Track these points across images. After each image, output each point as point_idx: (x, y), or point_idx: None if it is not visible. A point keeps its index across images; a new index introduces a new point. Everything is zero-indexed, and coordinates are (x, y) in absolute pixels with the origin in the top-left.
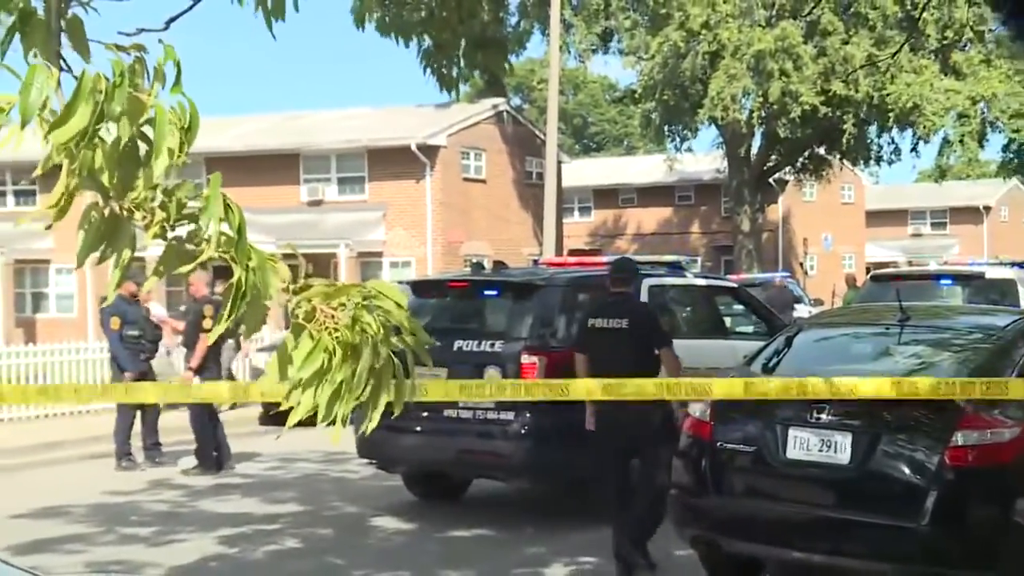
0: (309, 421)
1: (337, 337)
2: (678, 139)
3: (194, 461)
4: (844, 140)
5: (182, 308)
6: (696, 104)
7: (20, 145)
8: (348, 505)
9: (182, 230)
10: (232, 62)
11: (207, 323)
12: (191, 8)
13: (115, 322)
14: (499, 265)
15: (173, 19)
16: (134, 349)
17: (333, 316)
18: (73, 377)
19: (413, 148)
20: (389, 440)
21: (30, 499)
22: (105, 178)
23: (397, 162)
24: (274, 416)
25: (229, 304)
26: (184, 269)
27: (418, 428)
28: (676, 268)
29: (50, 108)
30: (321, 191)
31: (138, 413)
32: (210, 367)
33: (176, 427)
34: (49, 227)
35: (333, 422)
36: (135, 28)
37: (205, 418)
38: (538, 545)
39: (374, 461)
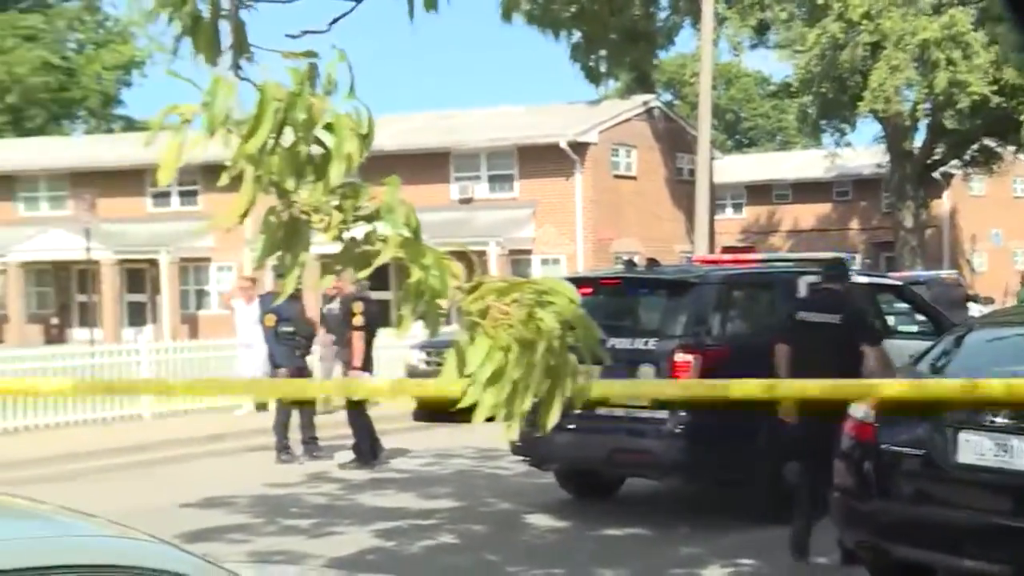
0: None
1: (512, 334)
2: (836, 133)
3: (351, 455)
4: (1021, 131)
5: (336, 304)
6: (855, 97)
7: (204, 151)
8: (502, 502)
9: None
10: (384, 60)
11: (357, 319)
12: (353, 8)
13: (269, 319)
14: (651, 263)
15: (336, 20)
16: (289, 346)
17: (507, 313)
18: (232, 372)
19: (563, 145)
20: (542, 438)
21: (196, 489)
22: (287, 183)
23: (547, 159)
24: (428, 412)
25: (409, 303)
26: (364, 273)
27: (571, 426)
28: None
29: (231, 118)
30: (471, 189)
31: (295, 407)
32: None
33: (332, 422)
34: (228, 230)
35: (511, 419)
36: (299, 30)
37: (365, 413)
38: (693, 545)
39: (527, 458)
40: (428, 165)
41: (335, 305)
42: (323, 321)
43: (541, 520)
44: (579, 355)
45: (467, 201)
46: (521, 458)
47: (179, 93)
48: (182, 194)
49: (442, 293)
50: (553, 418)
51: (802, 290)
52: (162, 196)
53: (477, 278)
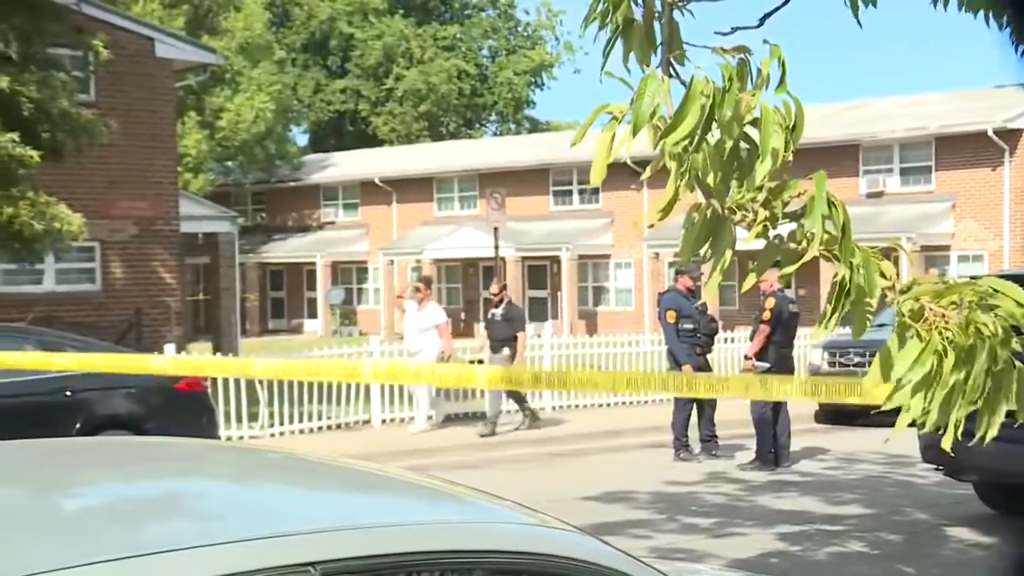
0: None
1: (948, 338)
2: None
3: (751, 456)
4: None
5: (500, 310)
6: None
7: (630, 149)
8: (917, 512)
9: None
10: (800, 51)
11: (766, 315)
12: (785, 4)
13: (671, 315)
14: None
15: (767, 15)
16: (689, 343)
17: (943, 316)
18: (628, 368)
19: (989, 133)
20: (959, 445)
21: (596, 483)
22: (710, 180)
23: (970, 149)
24: (831, 414)
25: (833, 302)
26: (789, 269)
27: None
28: None
29: (660, 115)
30: (882, 182)
31: (695, 405)
32: (768, 359)
33: (733, 420)
34: (651, 226)
35: (944, 427)
36: (729, 27)
37: (767, 414)
38: None
39: (940, 467)
40: (834, 158)
41: (499, 311)
42: (487, 326)
43: (962, 534)
44: None
45: (877, 195)
46: (934, 466)
47: (581, 93)
48: (582, 192)
49: (870, 292)
50: (993, 429)
51: None
52: (563, 194)
53: (912, 277)
